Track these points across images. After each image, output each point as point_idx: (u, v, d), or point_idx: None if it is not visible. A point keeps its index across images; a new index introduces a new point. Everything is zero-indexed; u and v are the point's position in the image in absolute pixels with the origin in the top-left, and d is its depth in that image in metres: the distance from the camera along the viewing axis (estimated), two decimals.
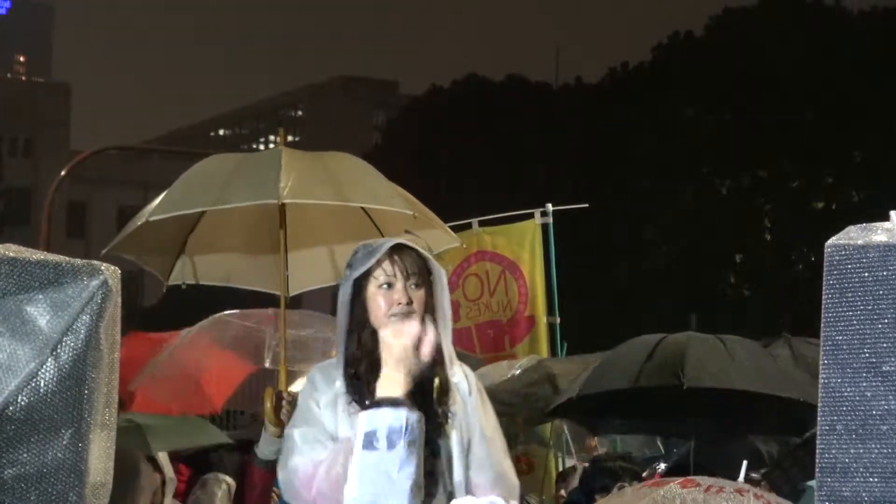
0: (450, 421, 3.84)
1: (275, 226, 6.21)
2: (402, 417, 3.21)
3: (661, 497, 3.62)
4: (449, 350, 3.91)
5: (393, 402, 3.30)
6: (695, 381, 6.91)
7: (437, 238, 6.53)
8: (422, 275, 3.89)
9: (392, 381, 3.45)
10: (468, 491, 3.85)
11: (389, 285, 3.85)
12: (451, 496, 3.81)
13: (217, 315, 9.88)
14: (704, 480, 3.61)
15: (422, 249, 3.94)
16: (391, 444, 3.19)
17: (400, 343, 3.50)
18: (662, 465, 9.59)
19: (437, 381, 3.80)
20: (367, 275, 3.90)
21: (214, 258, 6.73)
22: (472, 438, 3.88)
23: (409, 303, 3.82)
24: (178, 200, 6.03)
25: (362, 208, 6.38)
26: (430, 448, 3.77)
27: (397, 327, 3.59)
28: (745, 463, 3.80)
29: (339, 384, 3.85)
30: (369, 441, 3.20)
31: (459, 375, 3.94)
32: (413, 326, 3.56)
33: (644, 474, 8.51)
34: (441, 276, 3.93)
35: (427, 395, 3.77)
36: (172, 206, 5.98)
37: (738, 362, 7.06)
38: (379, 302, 3.84)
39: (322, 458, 3.69)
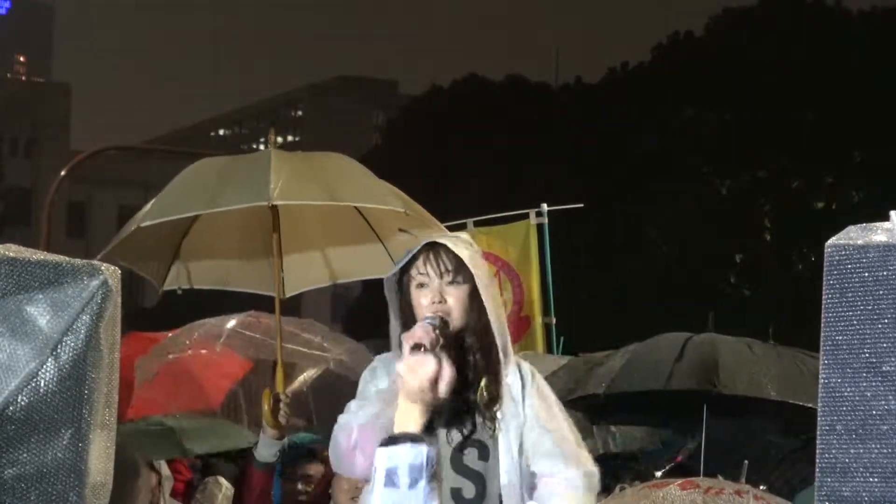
0: (497, 425, 3.80)
1: (270, 227, 6.21)
2: (422, 454, 3.16)
3: (660, 499, 3.62)
4: (503, 344, 3.87)
5: (412, 438, 3.22)
6: (730, 389, 6.89)
7: (431, 236, 6.53)
8: (460, 272, 3.86)
9: (409, 414, 3.38)
10: (530, 487, 3.81)
11: (423, 285, 3.86)
12: (500, 499, 3.78)
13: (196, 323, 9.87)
14: (704, 482, 3.61)
15: (456, 248, 3.89)
16: (413, 483, 3.14)
17: (414, 382, 3.39)
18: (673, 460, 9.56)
19: (481, 390, 3.79)
20: (406, 273, 3.92)
21: (209, 261, 6.72)
22: (525, 432, 3.84)
23: (443, 301, 3.82)
24: (168, 206, 6.04)
25: (356, 209, 6.37)
26: (478, 451, 3.78)
27: (411, 364, 3.44)
28: (745, 463, 3.80)
29: None
30: (390, 479, 3.12)
31: (513, 375, 3.89)
32: (428, 365, 3.42)
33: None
34: (482, 273, 3.90)
35: (474, 398, 3.78)
36: (163, 212, 6.00)
37: (765, 368, 7.03)
38: (419, 301, 3.86)
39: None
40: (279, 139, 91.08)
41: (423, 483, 3.08)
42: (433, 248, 3.91)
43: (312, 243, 6.65)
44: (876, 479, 2.52)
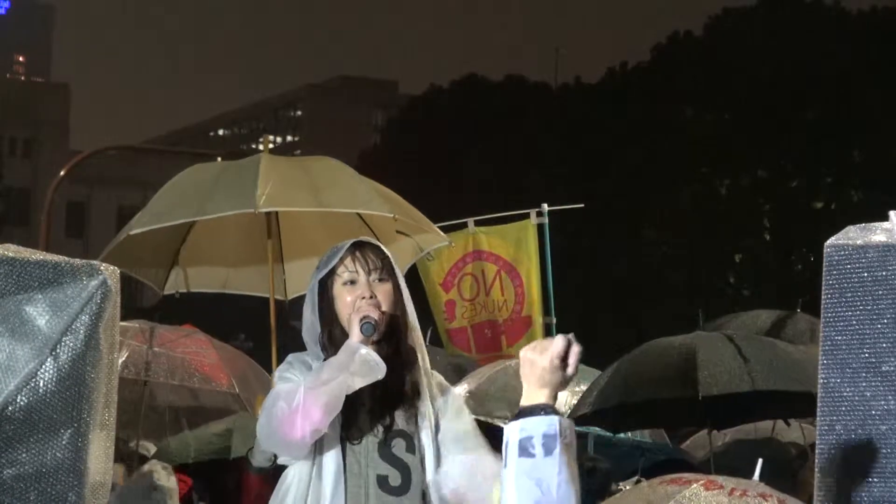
0: (420, 420, 3.89)
1: (261, 226, 6.24)
2: (555, 423, 3.12)
3: (685, 499, 3.59)
4: (421, 347, 3.97)
5: (544, 409, 3.17)
6: (708, 390, 6.93)
7: (427, 238, 6.55)
8: (387, 270, 3.95)
9: (537, 391, 3.18)
10: (442, 485, 3.88)
11: (353, 282, 3.92)
12: (424, 494, 3.86)
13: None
14: (728, 482, 3.58)
15: (383, 246, 4.00)
16: (548, 451, 3.09)
17: (544, 361, 3.14)
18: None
19: (412, 383, 3.89)
20: (331, 274, 3.96)
21: (209, 265, 6.74)
22: (443, 424, 3.93)
23: (373, 297, 3.88)
24: (158, 214, 6.08)
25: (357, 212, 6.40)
26: (406, 443, 3.86)
27: (541, 345, 3.20)
28: (759, 461, 3.77)
29: None
30: (524, 449, 3.05)
31: (433, 379, 3.99)
32: (557, 343, 3.17)
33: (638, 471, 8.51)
34: (401, 274, 3.99)
35: (401, 390, 3.88)
36: (153, 220, 6.04)
37: (750, 363, 7.05)
38: (344, 298, 3.91)
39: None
40: (278, 139, 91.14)
41: (557, 450, 3.04)
42: (359, 247, 3.98)
43: (314, 245, 6.66)
44: (875, 479, 2.52)
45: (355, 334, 3.77)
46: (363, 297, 3.87)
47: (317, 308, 3.96)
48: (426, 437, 3.89)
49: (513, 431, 3.09)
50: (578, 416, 7.56)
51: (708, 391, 6.95)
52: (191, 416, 10.51)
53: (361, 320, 3.77)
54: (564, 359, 3.16)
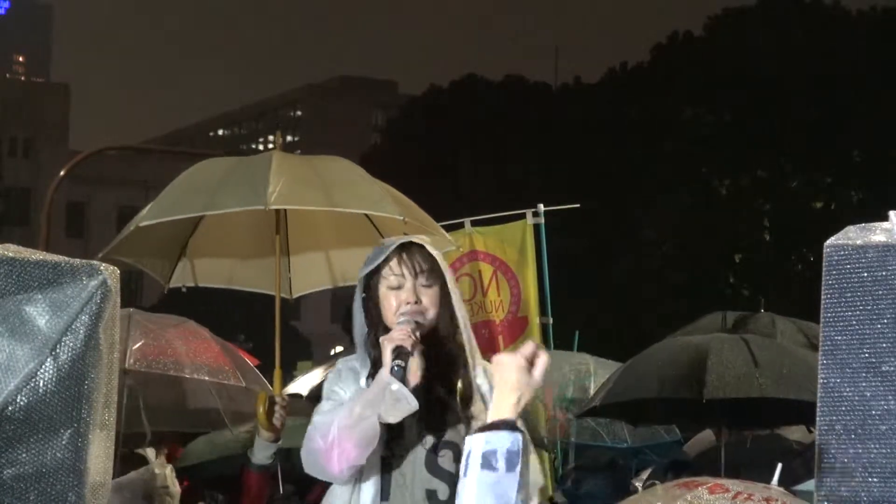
0: (472, 425, 3.78)
1: (270, 221, 6.21)
2: (518, 441, 3.18)
3: (687, 502, 3.59)
4: (471, 345, 3.89)
5: (509, 425, 3.22)
6: (714, 393, 6.93)
7: (434, 241, 6.54)
8: (434, 272, 3.88)
9: (505, 402, 3.21)
10: None
11: (399, 286, 3.84)
12: None
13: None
14: (734, 486, 3.58)
15: (431, 247, 3.92)
16: (510, 467, 3.13)
17: (510, 373, 3.17)
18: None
19: (460, 390, 3.80)
20: (377, 274, 3.88)
21: (216, 260, 6.72)
22: None
23: (418, 302, 3.82)
24: (167, 206, 6.05)
25: (365, 213, 6.39)
26: (453, 453, 3.77)
27: (504, 359, 3.22)
28: (779, 465, 3.74)
29: (364, 383, 3.85)
30: (487, 461, 3.09)
31: (481, 376, 3.89)
32: (521, 354, 3.22)
33: (649, 472, 8.53)
34: (451, 274, 3.93)
35: (448, 399, 3.79)
36: (162, 212, 6.01)
37: (761, 368, 7.04)
38: (390, 303, 3.84)
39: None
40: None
41: (518, 468, 3.07)
42: (406, 248, 3.90)
43: (321, 245, 6.65)
44: (875, 479, 2.52)
45: (387, 365, 3.66)
46: (408, 303, 3.81)
47: (362, 307, 3.90)
48: None
49: (477, 443, 3.12)
50: (596, 407, 7.61)
51: (713, 394, 6.94)
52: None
53: (394, 359, 3.65)
54: (532, 361, 3.20)
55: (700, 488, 3.60)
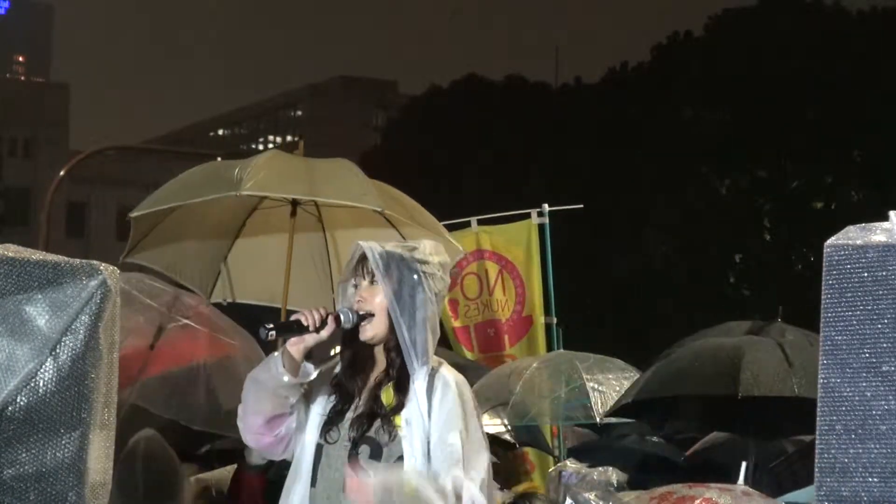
0: (397, 429, 3.90)
1: (318, 244, 6.34)
2: None
3: None
4: (419, 349, 3.93)
5: None
6: (749, 390, 6.94)
7: (434, 248, 6.56)
8: (378, 273, 3.98)
9: None
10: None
11: (356, 287, 4.07)
12: None
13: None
14: (698, 492, 3.59)
15: (371, 247, 4.00)
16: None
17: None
18: None
19: (388, 392, 3.95)
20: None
21: (257, 277, 6.83)
22: (431, 440, 3.90)
23: (366, 301, 4.00)
24: (157, 198, 6.29)
25: (387, 220, 6.43)
26: (370, 450, 3.90)
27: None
28: (744, 464, 3.77)
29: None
30: None
31: (424, 381, 3.93)
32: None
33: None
34: (396, 276, 3.97)
35: (375, 403, 3.95)
36: (151, 204, 6.25)
37: (795, 368, 7.05)
38: (351, 302, 4.07)
39: None
40: (278, 139, 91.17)
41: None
42: (362, 255, 4.09)
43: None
44: (875, 479, 2.52)
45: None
46: (358, 300, 4.03)
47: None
48: (409, 443, 3.86)
49: None
50: (623, 406, 7.63)
51: (748, 391, 6.95)
52: None
53: (283, 323, 4.10)
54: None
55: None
